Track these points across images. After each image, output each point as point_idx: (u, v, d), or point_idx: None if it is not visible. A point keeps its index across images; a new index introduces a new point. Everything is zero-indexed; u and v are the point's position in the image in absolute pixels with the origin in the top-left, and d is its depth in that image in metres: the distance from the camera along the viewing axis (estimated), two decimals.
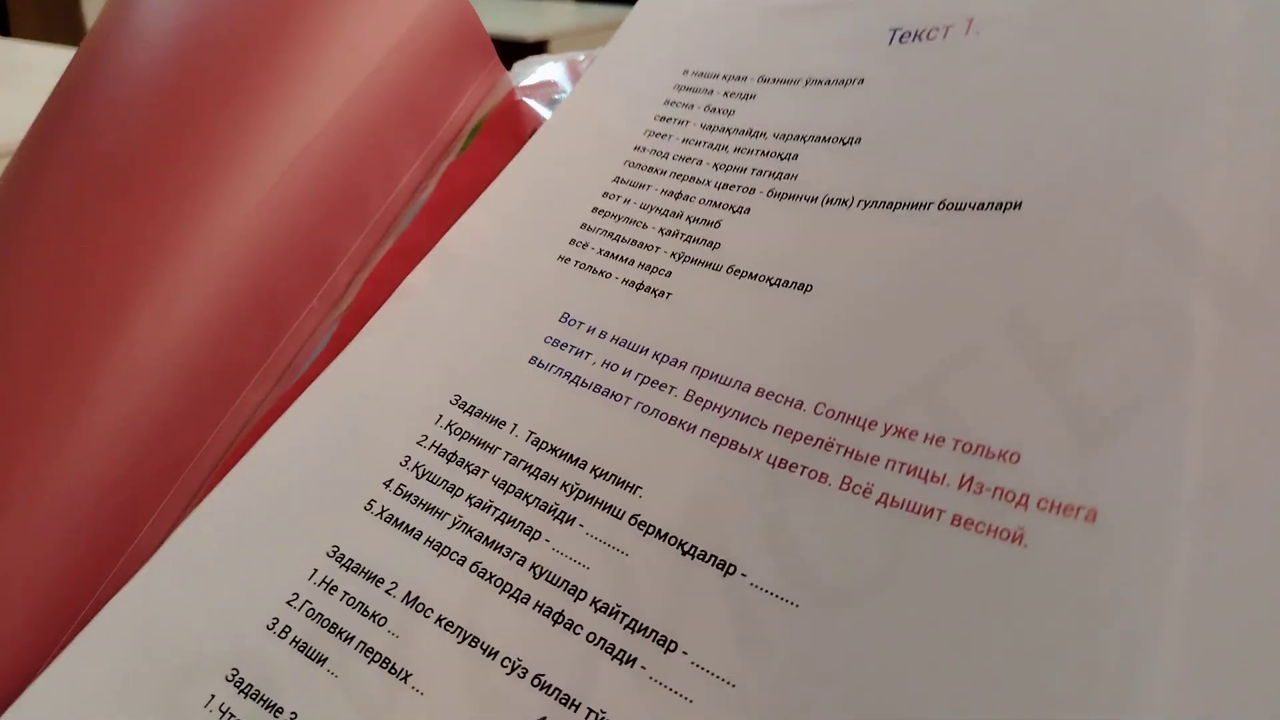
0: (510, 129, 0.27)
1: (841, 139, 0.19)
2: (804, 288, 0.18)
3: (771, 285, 0.18)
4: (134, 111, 0.22)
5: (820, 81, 0.20)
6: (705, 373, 0.18)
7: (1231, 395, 0.12)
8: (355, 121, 0.24)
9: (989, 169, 0.17)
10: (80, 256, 0.20)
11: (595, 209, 0.21)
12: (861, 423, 0.16)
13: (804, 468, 0.16)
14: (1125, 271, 0.14)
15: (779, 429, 0.16)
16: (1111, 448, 0.13)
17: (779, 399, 0.17)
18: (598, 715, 0.14)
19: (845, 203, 0.18)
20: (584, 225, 0.21)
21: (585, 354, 0.19)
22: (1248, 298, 0.12)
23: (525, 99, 0.27)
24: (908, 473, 0.15)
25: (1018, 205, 0.16)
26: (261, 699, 0.15)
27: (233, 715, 0.15)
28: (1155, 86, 0.16)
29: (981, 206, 0.16)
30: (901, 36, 0.20)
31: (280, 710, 0.15)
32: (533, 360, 0.19)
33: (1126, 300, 0.13)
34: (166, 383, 0.20)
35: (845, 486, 0.15)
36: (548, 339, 0.19)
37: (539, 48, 2.12)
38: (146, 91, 0.23)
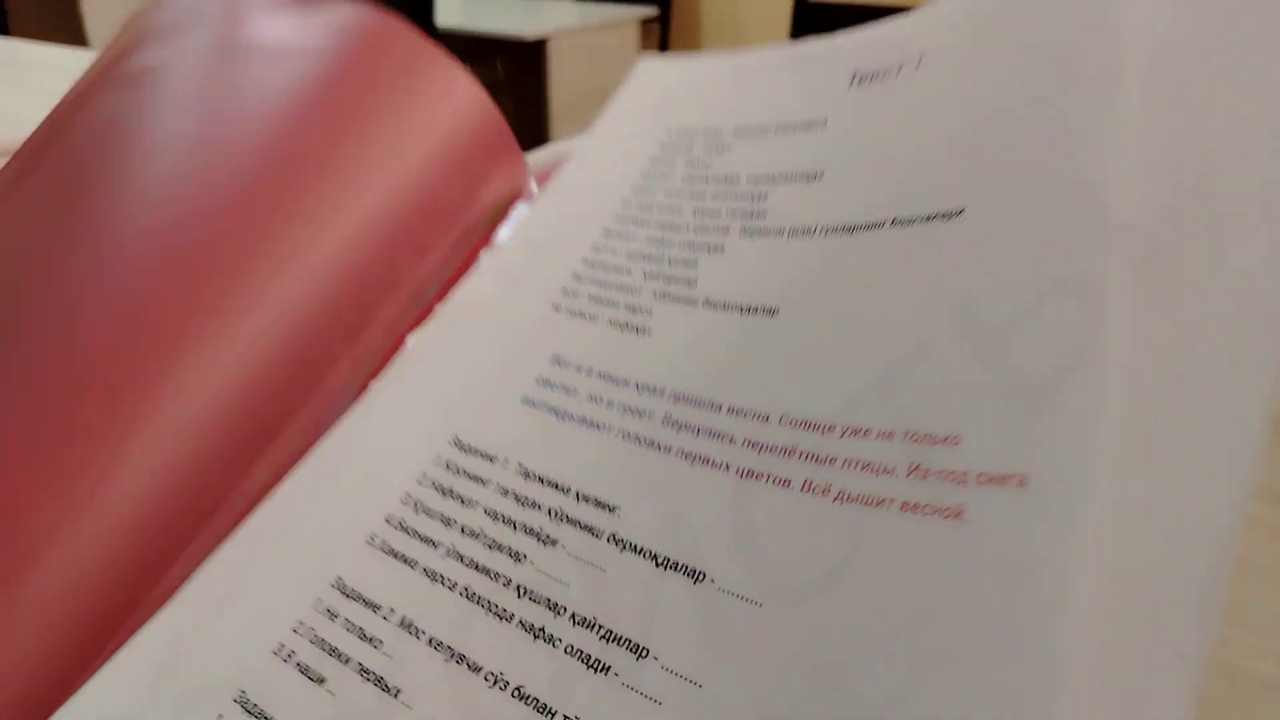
0: None
1: (806, 175, 0.20)
2: (771, 311, 0.19)
3: (742, 313, 0.19)
4: (191, 185, 0.25)
5: (788, 127, 0.22)
6: (681, 397, 0.18)
7: (1144, 349, 0.12)
8: (390, 209, 0.26)
9: (934, 184, 0.17)
10: (135, 315, 0.23)
11: (585, 260, 0.22)
12: (821, 428, 0.16)
13: (769, 475, 0.16)
14: (1052, 252, 0.14)
15: (747, 442, 0.17)
16: (1040, 415, 0.13)
17: (747, 414, 0.17)
18: None
19: (809, 232, 0.19)
20: (575, 276, 0.22)
21: (573, 390, 0.20)
22: (1156, 258, 0.13)
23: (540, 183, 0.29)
24: (862, 469, 0.15)
25: (960, 212, 0.17)
26: (264, 716, 0.16)
27: None
28: (1073, 90, 0.16)
29: (929, 218, 0.17)
30: (861, 79, 0.21)
31: None
32: (525, 400, 0.20)
33: (1054, 278, 0.14)
34: (203, 431, 0.22)
35: (806, 489, 0.16)
36: (539, 380, 0.20)
37: (538, 47, 2.12)
38: (210, 171, 0.25)
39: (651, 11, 2.54)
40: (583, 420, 0.19)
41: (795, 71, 0.23)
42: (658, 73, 0.26)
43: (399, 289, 0.27)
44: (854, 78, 0.21)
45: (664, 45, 2.82)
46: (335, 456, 0.20)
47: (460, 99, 0.28)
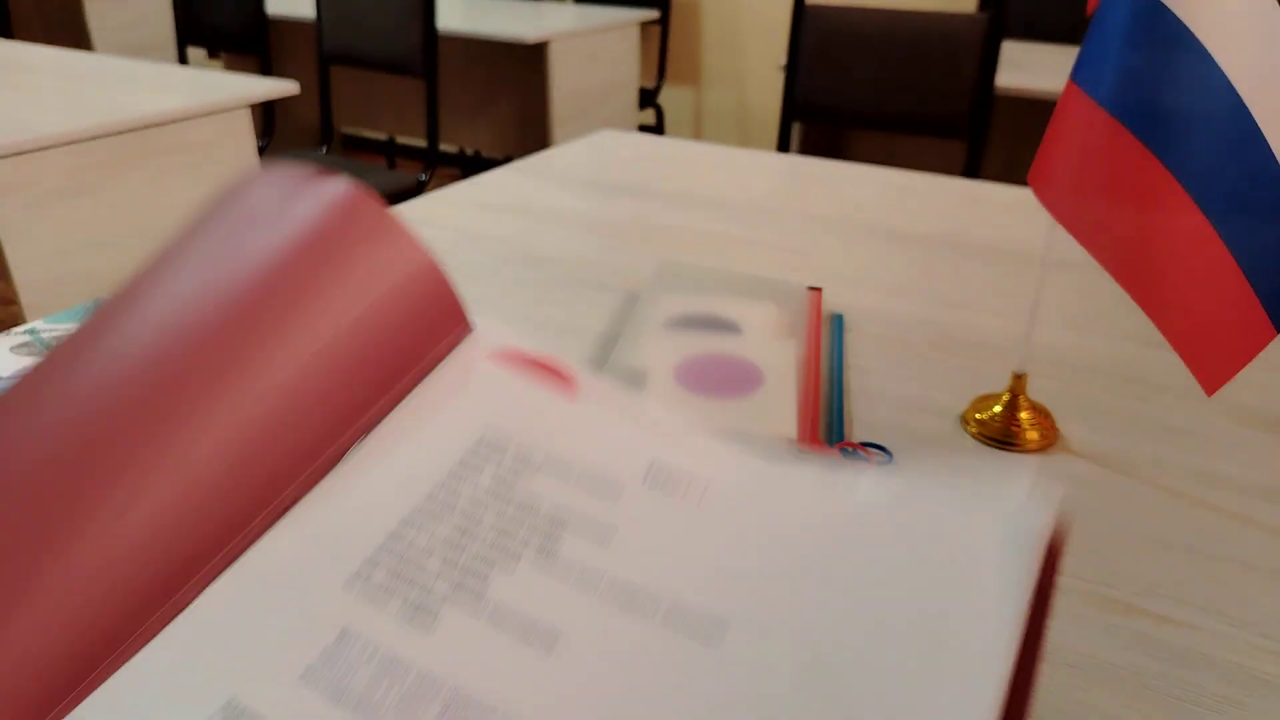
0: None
1: (600, 529, 0.25)
2: (549, 642, 0.22)
3: (523, 635, 0.22)
4: (149, 342, 0.27)
5: (589, 476, 0.27)
6: (457, 696, 0.21)
7: None
8: (335, 360, 0.28)
9: (708, 593, 0.23)
10: (127, 446, 0.24)
11: (380, 546, 0.25)
12: None
13: None
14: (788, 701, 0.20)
15: None
16: None
17: None
18: None
19: (596, 580, 0.24)
20: (370, 559, 0.24)
21: (354, 670, 0.21)
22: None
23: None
24: None
25: (724, 626, 0.22)
26: None
27: None
28: (822, 564, 0.23)
29: (699, 616, 0.22)
30: (653, 478, 0.27)
31: None
32: (306, 672, 0.21)
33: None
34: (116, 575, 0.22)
35: None
36: (323, 654, 0.22)
37: (539, 49, 2.18)
38: (168, 329, 0.27)
39: (652, 14, 2.64)
40: (360, 703, 0.21)
41: (605, 434, 0.28)
42: (488, 370, 0.31)
43: (329, 441, 0.27)
44: (649, 471, 0.27)
45: (664, 46, 2.95)
46: (119, 703, 0.20)
47: (415, 268, 0.31)
